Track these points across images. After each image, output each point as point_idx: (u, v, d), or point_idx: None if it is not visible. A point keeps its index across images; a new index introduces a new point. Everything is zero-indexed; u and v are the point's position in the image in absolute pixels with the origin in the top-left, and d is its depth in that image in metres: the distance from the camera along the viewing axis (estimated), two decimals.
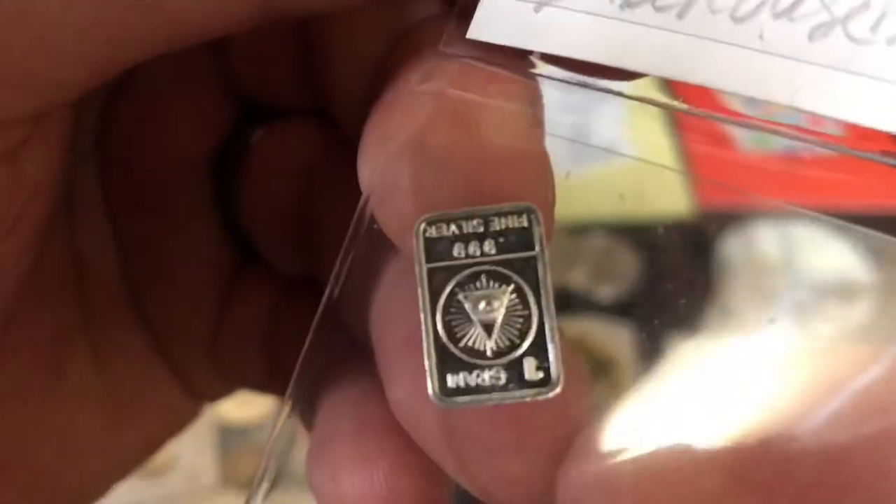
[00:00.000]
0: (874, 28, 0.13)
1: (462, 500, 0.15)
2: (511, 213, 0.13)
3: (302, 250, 0.22)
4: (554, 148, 0.15)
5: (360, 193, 0.16)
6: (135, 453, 0.23)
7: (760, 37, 0.14)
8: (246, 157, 0.22)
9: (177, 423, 0.24)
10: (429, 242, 0.13)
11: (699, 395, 0.15)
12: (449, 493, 0.16)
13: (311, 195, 0.22)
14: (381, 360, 0.15)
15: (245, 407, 0.52)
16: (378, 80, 0.17)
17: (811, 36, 0.13)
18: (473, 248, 0.13)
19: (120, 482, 0.23)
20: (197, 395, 0.24)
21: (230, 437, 0.53)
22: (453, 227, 0.13)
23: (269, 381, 0.23)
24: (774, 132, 0.14)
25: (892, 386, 0.13)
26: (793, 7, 0.14)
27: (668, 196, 0.16)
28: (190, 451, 0.52)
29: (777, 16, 0.14)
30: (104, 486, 0.23)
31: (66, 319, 0.21)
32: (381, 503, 0.15)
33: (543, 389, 0.13)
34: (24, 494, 0.20)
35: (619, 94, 0.15)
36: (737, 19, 0.14)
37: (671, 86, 0.15)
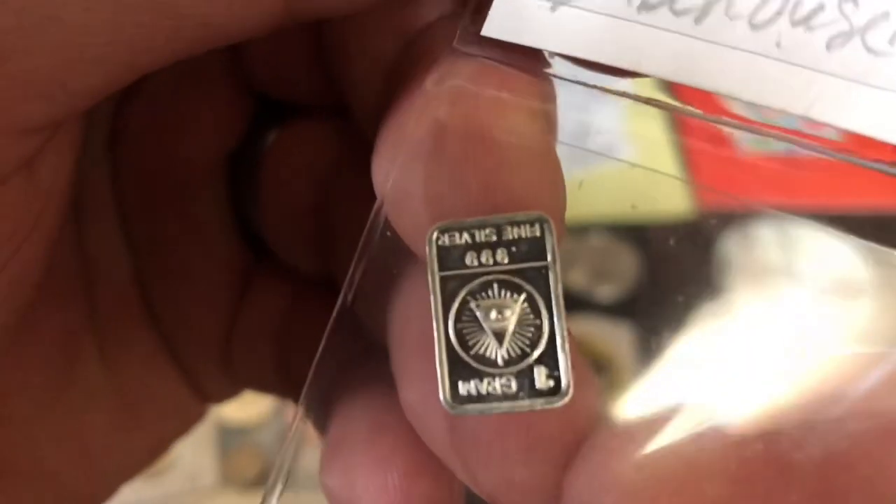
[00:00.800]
0: (893, 40, 0.13)
1: (474, 502, 0.15)
2: (524, 222, 0.13)
3: (319, 250, 0.22)
4: (566, 154, 0.15)
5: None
6: (143, 455, 0.23)
7: (778, 45, 0.14)
8: (262, 158, 0.22)
9: (184, 425, 0.24)
10: (441, 251, 0.13)
11: (702, 400, 0.15)
12: (461, 495, 0.16)
13: (329, 194, 0.21)
14: (395, 362, 0.15)
15: (245, 407, 0.52)
16: (393, 81, 0.17)
17: (829, 46, 0.13)
18: (486, 256, 0.13)
19: (127, 483, 0.23)
20: (205, 396, 0.24)
21: (230, 437, 0.53)
22: (466, 236, 0.13)
23: (279, 383, 0.23)
24: (776, 136, 0.14)
25: (890, 389, 0.13)
26: (811, 15, 0.14)
27: (668, 195, 0.16)
28: (190, 451, 0.52)
29: (795, 24, 0.14)
30: (112, 488, 0.23)
31: (74, 322, 0.21)
32: None
33: (553, 398, 0.13)
34: (33, 497, 0.20)
35: (635, 97, 0.15)
36: (754, 26, 0.14)
37: (673, 88, 0.15)
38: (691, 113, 0.15)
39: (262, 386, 0.24)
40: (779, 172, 0.15)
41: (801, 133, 0.14)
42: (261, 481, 0.51)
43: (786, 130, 0.14)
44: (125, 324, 0.22)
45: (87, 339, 0.21)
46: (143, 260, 0.22)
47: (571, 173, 0.15)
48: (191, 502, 0.52)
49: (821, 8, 0.14)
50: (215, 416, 0.52)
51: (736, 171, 0.15)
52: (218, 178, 0.22)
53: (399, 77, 0.17)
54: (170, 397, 0.23)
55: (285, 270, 0.23)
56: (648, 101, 0.15)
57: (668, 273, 0.17)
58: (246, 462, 0.52)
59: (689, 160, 0.15)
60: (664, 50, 0.14)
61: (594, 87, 0.15)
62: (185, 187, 0.22)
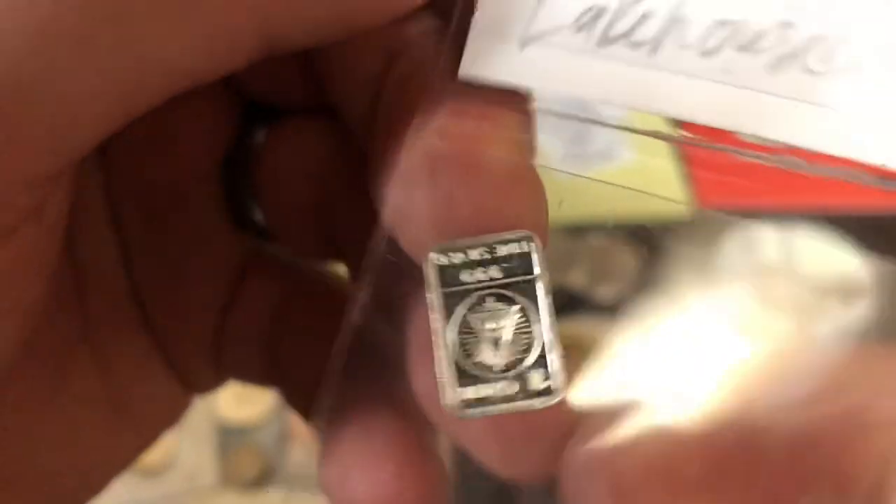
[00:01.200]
0: (828, 59, 0.15)
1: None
2: (512, 240, 0.15)
3: (326, 240, 0.23)
4: (550, 173, 0.16)
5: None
6: (134, 450, 0.24)
7: (726, 70, 0.15)
8: (255, 156, 0.23)
9: (173, 418, 0.25)
10: (440, 269, 0.15)
11: (691, 389, 0.16)
12: (451, 495, 0.17)
13: (328, 186, 0.22)
14: (409, 360, 0.17)
15: (244, 407, 0.53)
16: (379, 104, 0.18)
17: (772, 68, 0.15)
18: (480, 273, 0.15)
19: (117, 477, 0.24)
20: (192, 388, 0.25)
21: (229, 437, 0.53)
22: (462, 255, 0.15)
23: (268, 377, 0.24)
24: (768, 160, 0.15)
25: (849, 370, 0.15)
26: (755, 40, 0.15)
27: (667, 195, 0.17)
28: (189, 451, 0.53)
29: (741, 49, 0.15)
30: (103, 484, 0.23)
31: (67, 328, 0.21)
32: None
33: (548, 398, 0.15)
34: (29, 500, 0.21)
35: (613, 126, 0.16)
36: (704, 53, 0.15)
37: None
38: (682, 139, 0.16)
39: (250, 378, 0.24)
40: (777, 173, 0.16)
41: (789, 149, 0.15)
42: (261, 481, 0.52)
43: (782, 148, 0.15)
44: (118, 328, 0.23)
45: (80, 347, 0.22)
46: (136, 263, 0.23)
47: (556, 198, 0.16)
48: (191, 502, 0.53)
49: (763, 33, 0.15)
50: (215, 416, 0.53)
51: (735, 172, 0.16)
52: (211, 178, 0.23)
53: (386, 97, 0.18)
54: (162, 395, 0.24)
55: (278, 266, 0.24)
56: (629, 129, 0.16)
57: (668, 273, 0.18)
58: (246, 462, 0.53)
59: (687, 159, 0.16)
60: (624, 80, 0.15)
61: (576, 118, 0.16)
62: (178, 190, 0.23)
